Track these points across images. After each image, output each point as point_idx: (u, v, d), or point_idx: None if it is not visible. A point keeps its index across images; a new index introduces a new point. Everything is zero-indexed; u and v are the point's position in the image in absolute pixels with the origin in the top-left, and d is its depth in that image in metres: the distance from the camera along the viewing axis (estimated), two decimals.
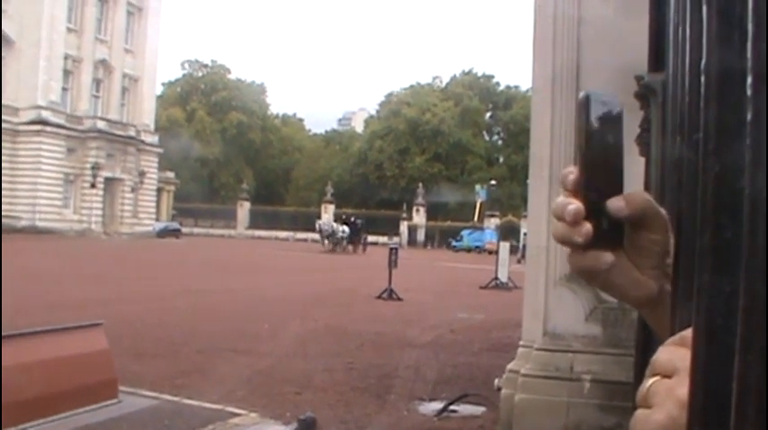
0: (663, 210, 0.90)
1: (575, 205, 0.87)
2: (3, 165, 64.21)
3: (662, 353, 0.77)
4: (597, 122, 0.89)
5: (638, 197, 0.90)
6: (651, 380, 0.76)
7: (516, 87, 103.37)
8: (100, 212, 70.30)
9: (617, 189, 0.89)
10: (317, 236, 67.81)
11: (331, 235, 63.71)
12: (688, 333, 0.71)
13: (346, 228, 65.13)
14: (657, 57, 4.69)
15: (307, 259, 48.06)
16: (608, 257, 0.89)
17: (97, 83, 73.57)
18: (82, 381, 6.35)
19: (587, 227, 0.87)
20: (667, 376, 0.75)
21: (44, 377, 5.92)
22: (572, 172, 0.89)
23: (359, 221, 68.04)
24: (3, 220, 63.00)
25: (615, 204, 0.88)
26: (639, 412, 0.76)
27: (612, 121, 0.90)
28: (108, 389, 6.69)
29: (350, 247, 64.13)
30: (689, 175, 0.73)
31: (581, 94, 0.90)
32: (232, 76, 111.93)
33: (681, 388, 0.71)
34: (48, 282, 22.37)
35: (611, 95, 0.91)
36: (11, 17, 65.33)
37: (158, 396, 9.43)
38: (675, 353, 0.75)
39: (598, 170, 0.88)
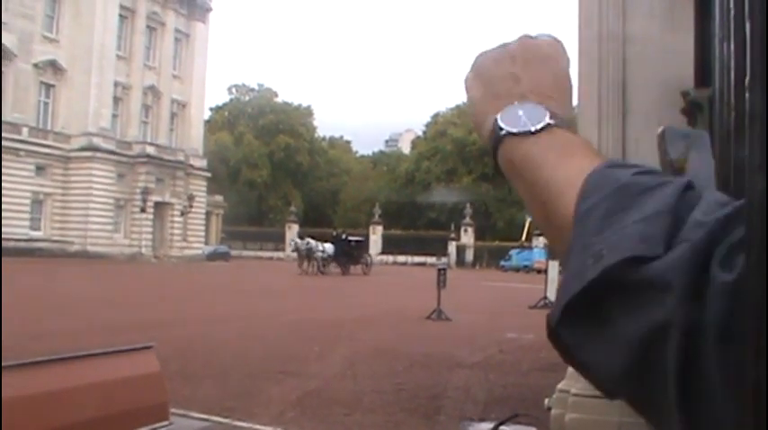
0: None
1: None
2: (55, 191, 65.28)
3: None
4: (678, 153, 0.91)
5: None
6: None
7: None
8: (150, 236, 71.09)
9: None
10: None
11: (308, 254, 55.63)
12: None
13: (328, 247, 56.80)
14: (703, 72, 4.66)
15: (351, 281, 48.08)
16: None
17: (146, 109, 74.63)
18: (133, 404, 6.40)
19: None
20: None
21: (96, 399, 5.98)
22: None
23: (353, 239, 60.55)
24: (56, 246, 63.99)
25: None
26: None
27: (696, 150, 0.92)
28: (159, 412, 6.73)
29: (334, 268, 56.06)
30: (737, 191, 0.75)
31: (659, 130, 0.93)
32: (279, 100, 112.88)
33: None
34: (99, 306, 22.60)
35: (697, 130, 0.94)
36: (62, 46, 66.54)
37: (209, 418, 9.48)
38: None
39: None
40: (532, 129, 0.89)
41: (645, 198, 0.73)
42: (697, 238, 0.66)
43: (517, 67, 0.96)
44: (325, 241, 57.50)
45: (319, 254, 55.65)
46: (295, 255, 57.18)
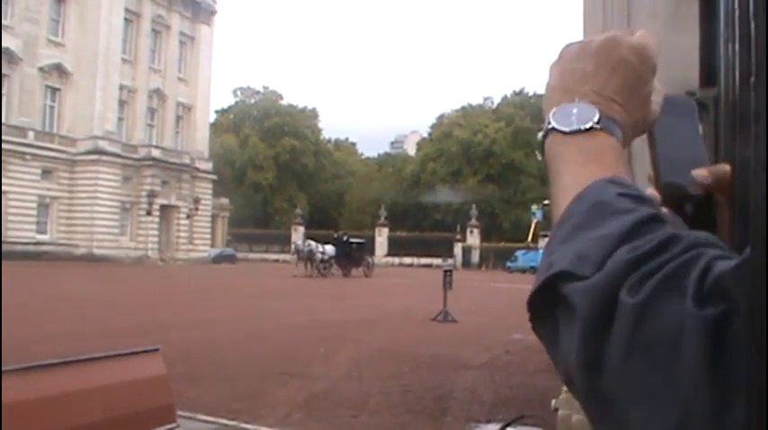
0: None
1: (647, 193, 0.92)
2: (61, 195, 65.38)
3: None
4: (665, 120, 0.93)
5: (723, 168, 0.93)
6: None
7: None
8: (156, 239, 71.10)
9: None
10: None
11: (309, 257, 54.55)
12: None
13: (329, 249, 56.08)
14: (708, 72, 4.64)
15: (354, 283, 48.06)
16: None
17: (151, 112, 74.69)
18: (140, 407, 6.40)
19: (663, 211, 0.89)
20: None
21: (102, 402, 5.99)
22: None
23: (354, 241, 59.33)
24: (62, 249, 64.09)
25: (699, 174, 0.93)
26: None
27: (683, 116, 0.94)
28: (166, 414, 6.73)
29: (336, 270, 55.54)
30: (741, 191, 0.76)
31: None
32: (284, 102, 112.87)
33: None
34: (105, 309, 22.63)
35: (679, 95, 0.95)
36: (68, 50, 66.66)
37: (216, 420, 9.48)
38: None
39: (675, 162, 0.92)
40: (574, 128, 0.91)
41: (611, 219, 0.77)
42: (610, 269, 0.70)
43: (591, 66, 0.96)
44: (326, 243, 56.82)
45: (320, 256, 54.87)
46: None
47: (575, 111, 0.92)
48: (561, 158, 0.91)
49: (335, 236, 60.93)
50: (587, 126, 0.90)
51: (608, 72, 0.94)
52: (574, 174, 0.87)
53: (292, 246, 59.75)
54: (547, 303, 0.76)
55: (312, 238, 58.86)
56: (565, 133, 0.91)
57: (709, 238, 0.74)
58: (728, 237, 0.92)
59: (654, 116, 0.97)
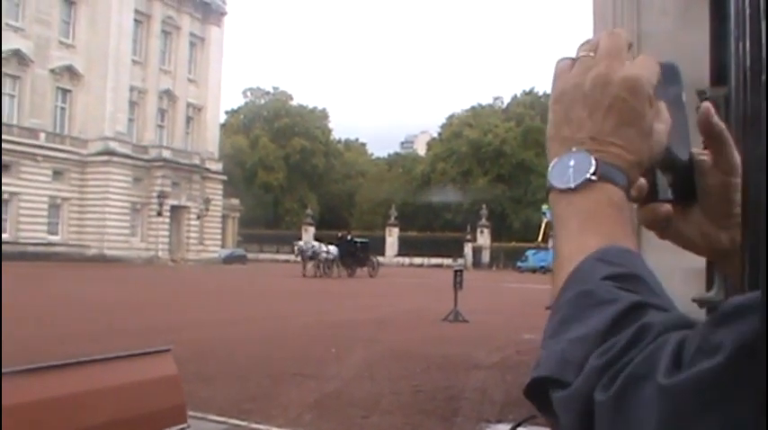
0: (737, 153, 0.94)
1: None
2: (72, 195, 65.59)
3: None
4: None
5: (719, 122, 0.95)
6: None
7: None
8: (166, 240, 71.25)
9: (683, 141, 0.94)
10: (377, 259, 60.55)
11: (313, 257, 54.39)
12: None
13: (332, 249, 55.77)
14: (719, 70, 4.62)
15: (361, 283, 48.04)
16: (663, 207, 0.96)
17: (162, 113, 74.85)
18: (150, 407, 6.40)
19: (641, 182, 0.90)
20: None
21: (113, 403, 5.99)
22: None
23: (358, 241, 59.13)
24: (73, 250, 64.28)
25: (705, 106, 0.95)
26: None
27: (667, 83, 0.94)
28: (176, 415, 6.72)
29: (339, 271, 55.28)
30: (753, 191, 0.76)
31: None
32: (294, 103, 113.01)
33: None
34: (116, 309, 22.66)
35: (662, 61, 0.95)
36: (79, 51, 66.85)
37: (226, 420, 9.48)
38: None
39: None
40: (571, 185, 0.87)
41: (593, 313, 0.75)
42: (586, 374, 0.69)
43: (585, 111, 0.90)
44: (329, 243, 56.74)
45: (324, 255, 54.74)
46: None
47: (571, 163, 0.88)
48: (559, 222, 0.88)
49: (339, 236, 60.59)
50: (580, 181, 0.87)
51: (602, 114, 0.89)
52: (570, 245, 0.85)
53: (295, 248, 59.24)
54: (543, 398, 0.75)
55: (322, 239, 58.77)
56: (562, 190, 0.88)
57: (682, 321, 0.71)
58: (707, 204, 0.97)
59: (660, 147, 0.90)
